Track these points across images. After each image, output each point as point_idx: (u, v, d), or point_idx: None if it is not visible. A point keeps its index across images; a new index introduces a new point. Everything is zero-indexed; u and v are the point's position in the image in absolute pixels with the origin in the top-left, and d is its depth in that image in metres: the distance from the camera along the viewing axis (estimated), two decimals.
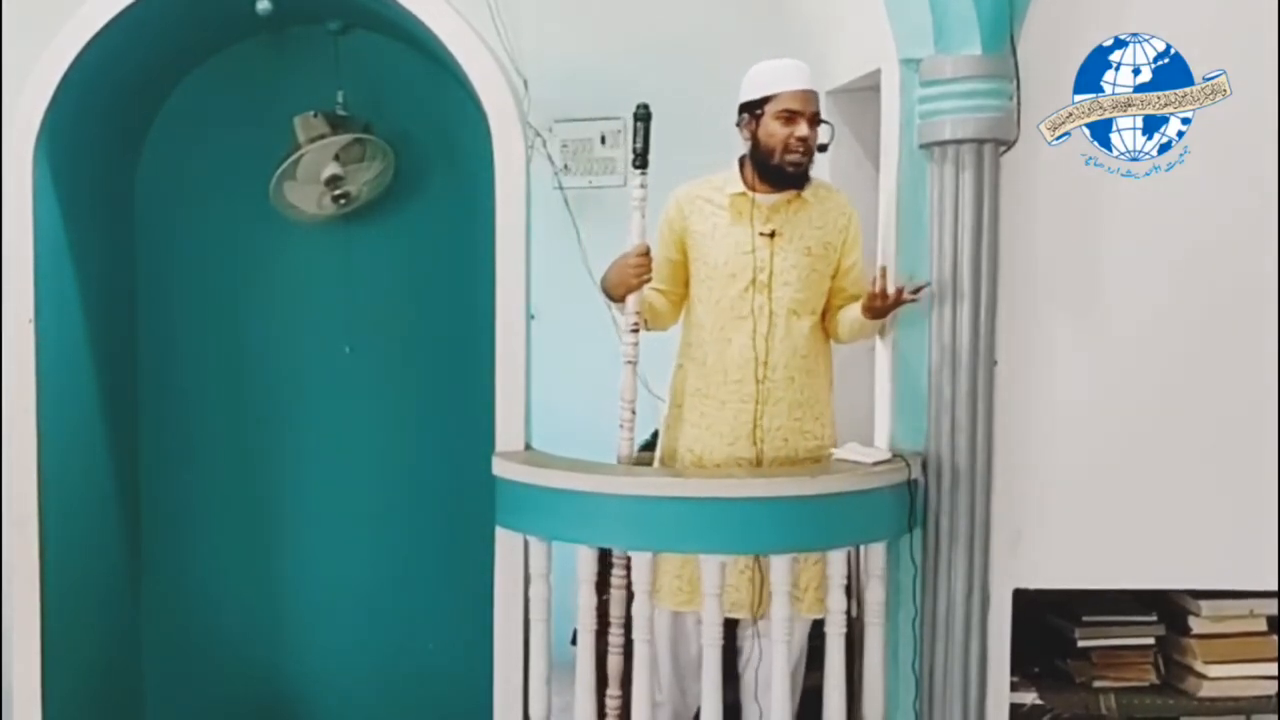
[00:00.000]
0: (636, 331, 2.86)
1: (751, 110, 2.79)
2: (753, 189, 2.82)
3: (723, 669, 2.76)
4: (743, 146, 2.85)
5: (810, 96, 2.77)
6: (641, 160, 2.81)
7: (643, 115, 2.80)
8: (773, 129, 2.75)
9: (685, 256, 2.89)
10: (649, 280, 2.81)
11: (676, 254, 2.90)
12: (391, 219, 3.69)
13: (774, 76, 2.77)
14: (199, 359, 3.69)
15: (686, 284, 2.92)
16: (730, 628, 2.80)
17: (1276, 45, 2.72)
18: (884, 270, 2.74)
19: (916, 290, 2.73)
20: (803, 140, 2.74)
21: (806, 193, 2.82)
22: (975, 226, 2.74)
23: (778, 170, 2.77)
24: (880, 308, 2.73)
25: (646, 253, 2.78)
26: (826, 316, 2.92)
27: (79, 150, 3.21)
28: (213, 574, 3.72)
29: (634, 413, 2.89)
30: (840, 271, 2.88)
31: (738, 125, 2.84)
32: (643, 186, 2.81)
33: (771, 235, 2.81)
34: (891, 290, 2.70)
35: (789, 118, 2.74)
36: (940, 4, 2.71)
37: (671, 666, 2.94)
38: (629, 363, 2.87)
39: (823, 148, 2.81)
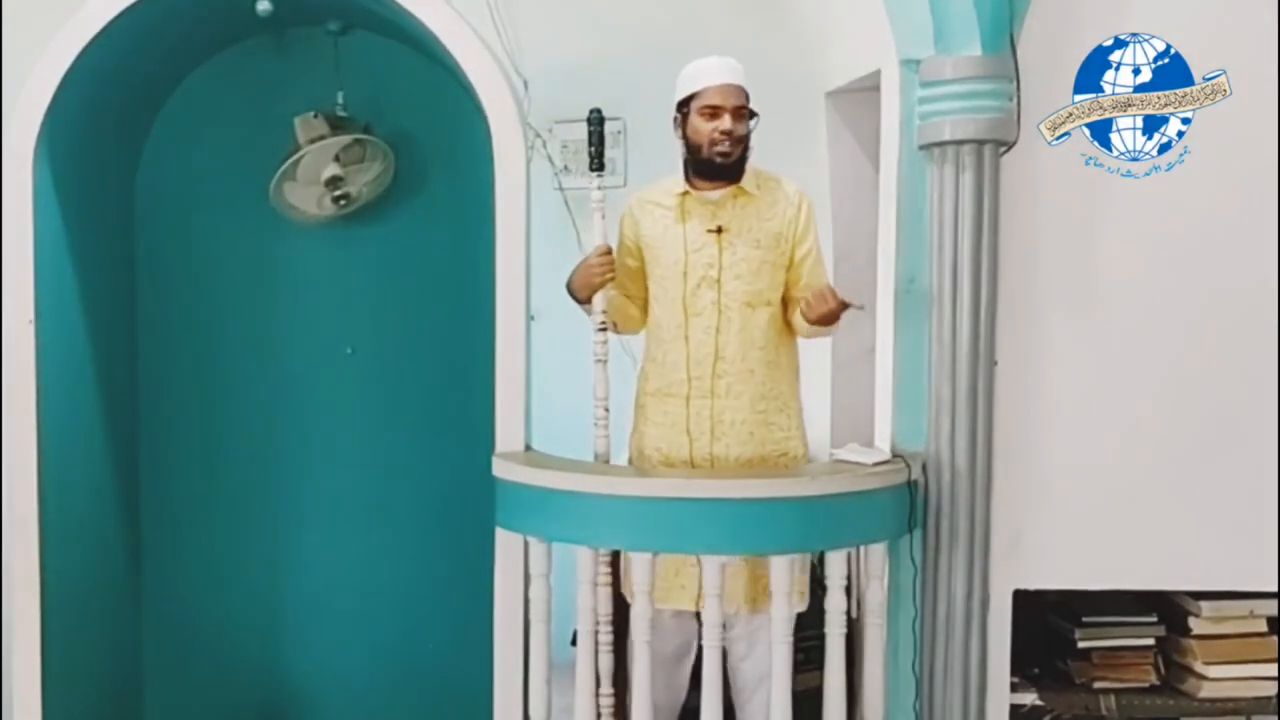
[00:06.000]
0: (604, 330, 2.94)
1: (680, 109, 2.87)
2: (695, 187, 2.88)
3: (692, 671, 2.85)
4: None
5: (730, 90, 2.81)
6: (598, 163, 2.91)
7: (596, 120, 2.90)
8: (698, 125, 2.83)
9: (643, 261, 2.95)
10: (611, 278, 2.88)
11: (634, 260, 2.97)
12: (392, 220, 3.68)
13: (697, 74, 2.84)
14: (199, 359, 3.68)
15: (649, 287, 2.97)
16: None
17: (1276, 45, 2.72)
18: (833, 291, 2.73)
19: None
20: (726, 133, 2.79)
21: (750, 186, 2.87)
22: (975, 227, 2.74)
23: (708, 164, 2.83)
24: (824, 315, 2.73)
25: (608, 252, 2.87)
26: (787, 308, 2.93)
27: (79, 150, 3.21)
28: (213, 574, 3.72)
29: (607, 410, 2.94)
30: (794, 262, 2.90)
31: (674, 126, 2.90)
32: (600, 189, 2.90)
33: (719, 231, 2.85)
34: (833, 304, 2.70)
35: (712, 113, 2.81)
36: (940, 4, 2.71)
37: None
38: (599, 361, 2.93)
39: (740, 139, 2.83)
